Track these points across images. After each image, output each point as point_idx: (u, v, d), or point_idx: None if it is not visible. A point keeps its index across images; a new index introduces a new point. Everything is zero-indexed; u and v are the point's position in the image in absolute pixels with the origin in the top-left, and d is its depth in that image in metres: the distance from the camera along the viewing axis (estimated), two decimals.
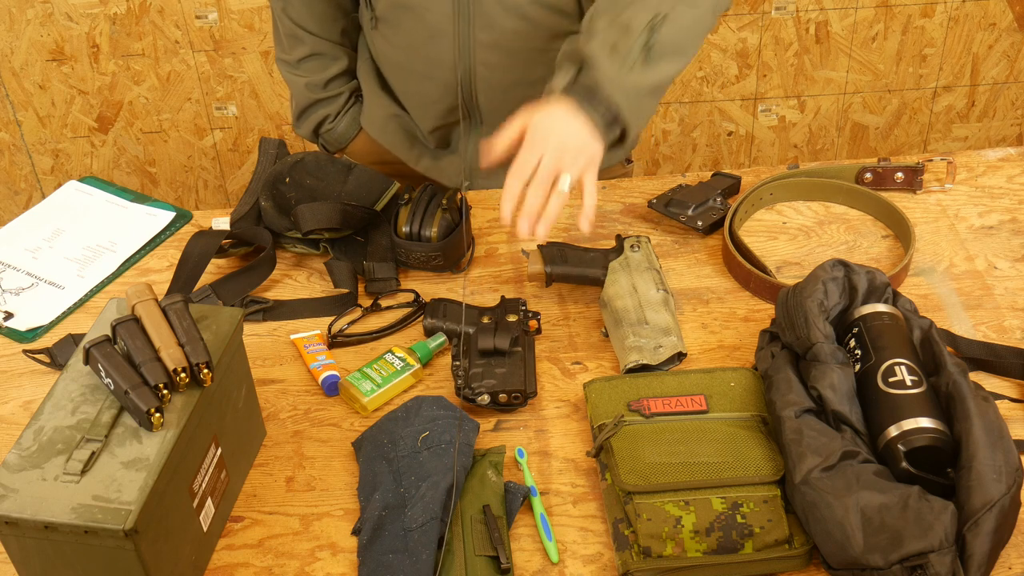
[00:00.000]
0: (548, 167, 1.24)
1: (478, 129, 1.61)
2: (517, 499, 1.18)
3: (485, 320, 1.38)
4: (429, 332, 1.40)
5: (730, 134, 2.85)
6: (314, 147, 1.84)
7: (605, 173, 1.72)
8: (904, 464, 1.11)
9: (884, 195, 1.59)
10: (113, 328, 1.12)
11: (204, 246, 1.50)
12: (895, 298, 1.29)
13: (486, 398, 1.29)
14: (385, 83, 1.69)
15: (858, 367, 1.21)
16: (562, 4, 1.47)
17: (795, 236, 1.57)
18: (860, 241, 1.56)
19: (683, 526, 1.10)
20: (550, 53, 1.46)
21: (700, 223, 1.55)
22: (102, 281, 1.53)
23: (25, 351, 1.40)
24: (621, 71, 1.27)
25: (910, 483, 1.09)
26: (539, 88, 1.36)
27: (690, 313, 1.45)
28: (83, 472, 1.02)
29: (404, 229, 1.49)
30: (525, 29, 1.49)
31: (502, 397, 1.29)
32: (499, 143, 1.28)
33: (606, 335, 1.40)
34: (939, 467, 1.11)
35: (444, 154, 1.68)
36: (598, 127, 1.27)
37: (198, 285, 1.47)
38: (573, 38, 1.33)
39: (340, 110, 1.73)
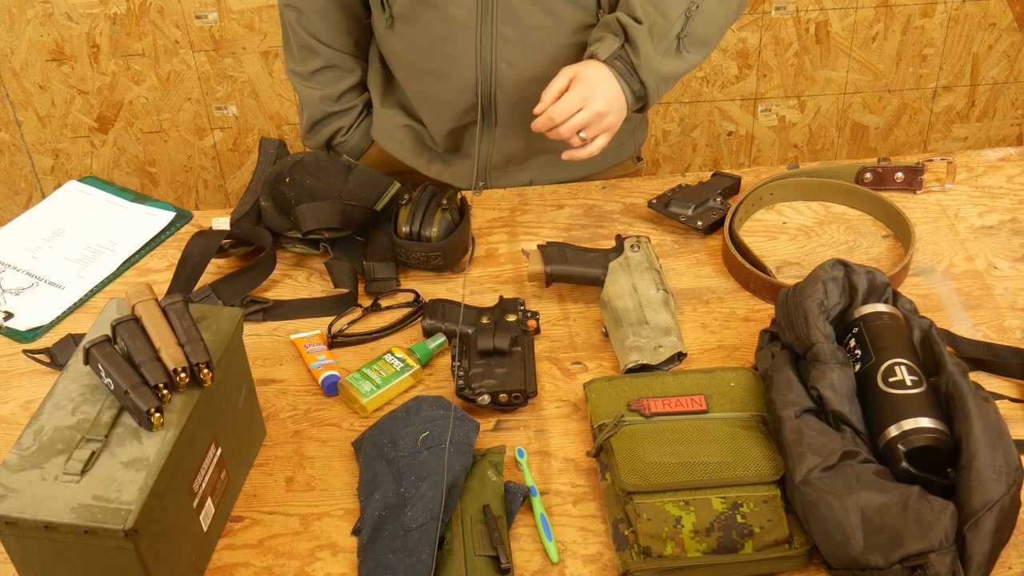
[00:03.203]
0: (584, 100, 1.40)
1: (492, 130, 1.61)
2: (517, 499, 1.18)
3: (484, 320, 1.38)
4: (428, 333, 1.40)
5: (730, 134, 2.85)
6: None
7: (616, 171, 1.74)
8: (904, 464, 1.11)
9: (884, 195, 1.59)
10: (113, 328, 1.12)
11: (204, 246, 1.50)
12: (895, 298, 1.29)
13: (486, 398, 1.29)
14: (395, 94, 1.68)
15: (858, 367, 1.21)
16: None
17: (795, 236, 1.57)
18: (860, 241, 1.56)
19: (683, 526, 1.10)
20: (571, 48, 1.51)
21: (700, 223, 1.55)
22: (102, 281, 1.53)
23: (25, 351, 1.40)
24: (656, 57, 1.44)
25: (910, 483, 1.09)
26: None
27: (690, 313, 1.45)
28: (83, 472, 1.02)
29: (404, 229, 1.49)
30: (549, 23, 1.50)
31: (502, 397, 1.29)
32: (548, 93, 1.41)
33: (606, 335, 1.40)
34: (939, 467, 1.11)
35: (455, 158, 1.68)
36: (628, 99, 1.44)
37: (198, 285, 1.47)
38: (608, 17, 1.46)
39: (353, 123, 1.73)
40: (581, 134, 1.41)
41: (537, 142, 1.59)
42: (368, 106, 1.73)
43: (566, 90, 1.41)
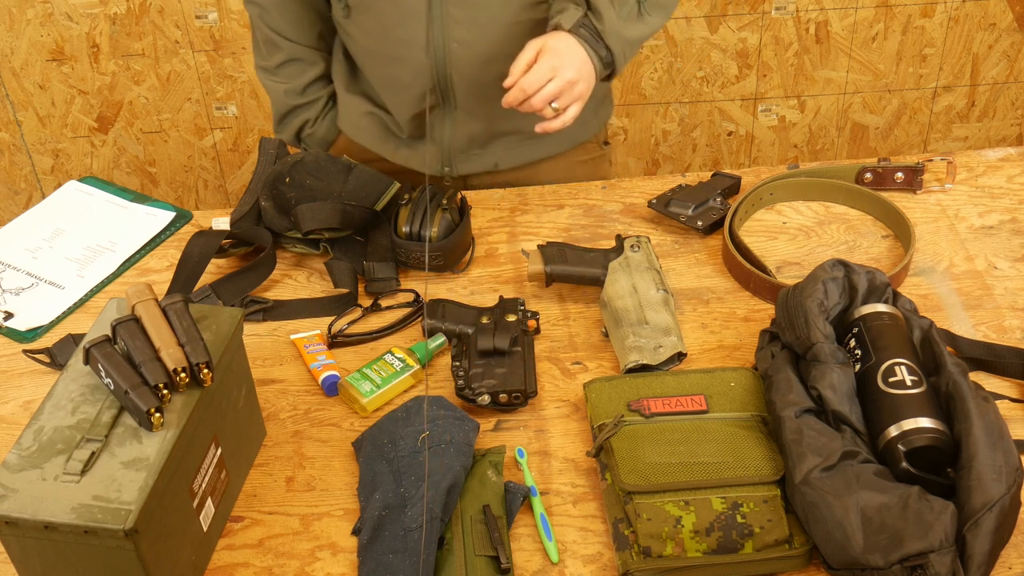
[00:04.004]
0: (555, 68, 1.40)
1: (453, 113, 1.63)
2: (517, 499, 1.18)
3: (484, 320, 1.38)
4: (429, 333, 1.40)
5: (730, 134, 2.85)
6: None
7: (580, 152, 1.76)
8: (904, 464, 1.11)
9: (884, 195, 1.59)
10: (113, 328, 1.12)
11: (204, 246, 1.50)
12: (895, 298, 1.29)
13: (486, 398, 1.29)
14: (359, 82, 1.70)
15: (858, 367, 1.21)
16: None
17: (795, 236, 1.57)
18: (860, 241, 1.56)
19: (683, 526, 1.10)
20: (521, 25, 1.52)
21: (700, 223, 1.55)
22: (102, 281, 1.53)
23: (25, 351, 1.40)
24: (619, 22, 1.47)
25: (910, 483, 1.09)
26: (512, 63, 1.43)
27: (690, 313, 1.45)
28: (83, 472, 1.02)
29: (404, 229, 1.49)
30: (498, 2, 1.51)
31: (502, 397, 1.29)
32: (517, 66, 1.41)
33: (606, 335, 1.40)
34: (939, 467, 1.11)
35: (420, 143, 1.70)
36: (596, 67, 1.46)
37: (198, 285, 1.47)
38: None
39: (319, 114, 1.75)
40: (553, 104, 1.42)
41: (498, 123, 1.63)
42: (333, 97, 1.76)
43: (534, 62, 1.41)
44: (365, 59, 1.65)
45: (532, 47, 1.42)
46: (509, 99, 1.42)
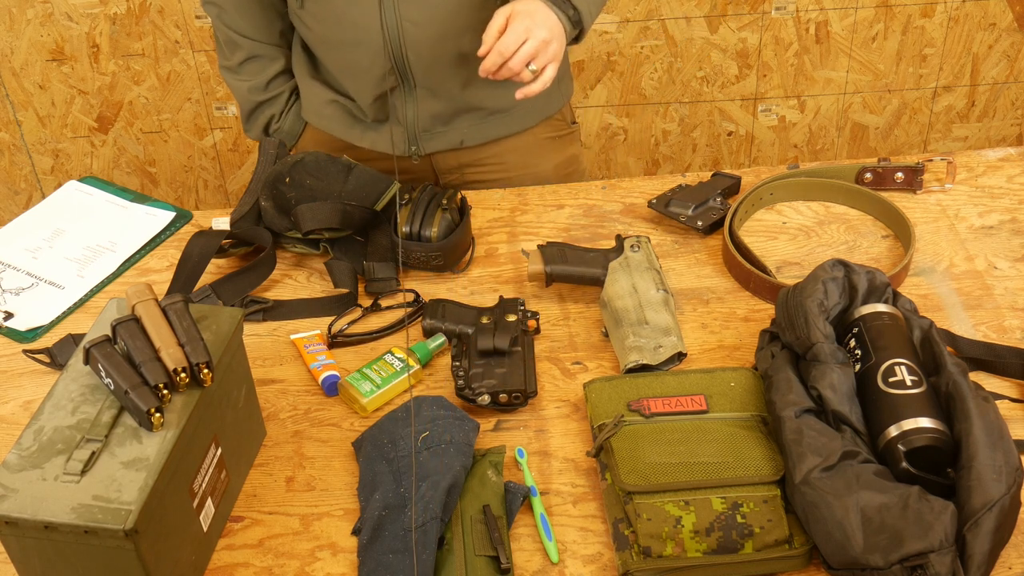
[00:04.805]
0: (528, 30, 1.41)
1: (414, 92, 1.64)
2: (517, 499, 1.18)
3: (484, 320, 1.38)
4: (428, 332, 1.40)
5: (730, 134, 2.85)
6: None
7: (547, 129, 1.77)
8: (904, 464, 1.11)
9: (884, 195, 1.59)
10: (113, 328, 1.12)
11: (204, 246, 1.50)
12: (895, 298, 1.29)
13: (486, 398, 1.29)
14: (319, 72, 1.72)
15: (858, 367, 1.21)
16: None
17: (795, 236, 1.57)
18: (860, 241, 1.56)
19: (683, 526, 1.10)
20: (472, 1, 1.53)
21: (700, 223, 1.55)
22: (102, 281, 1.53)
23: (25, 351, 1.40)
24: None
25: (910, 483, 1.09)
26: (467, 38, 1.47)
27: (690, 313, 1.45)
28: (83, 472, 1.02)
29: (404, 229, 1.49)
30: None
31: (502, 397, 1.29)
32: (489, 34, 1.41)
33: (606, 335, 1.40)
34: (939, 467, 1.11)
35: (384, 126, 1.71)
36: (564, 26, 1.47)
37: (198, 285, 1.47)
38: None
39: (283, 109, 1.77)
40: (531, 66, 1.42)
41: (459, 100, 1.65)
42: (296, 91, 1.78)
43: (505, 28, 1.42)
44: (322, 47, 1.67)
45: (501, 14, 1.42)
46: (487, 65, 1.41)
